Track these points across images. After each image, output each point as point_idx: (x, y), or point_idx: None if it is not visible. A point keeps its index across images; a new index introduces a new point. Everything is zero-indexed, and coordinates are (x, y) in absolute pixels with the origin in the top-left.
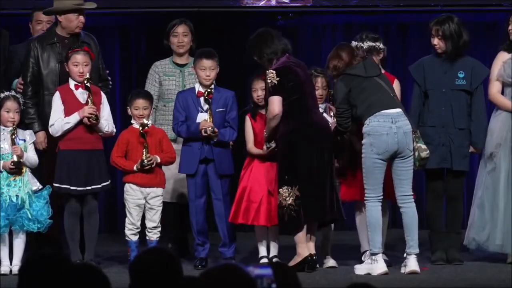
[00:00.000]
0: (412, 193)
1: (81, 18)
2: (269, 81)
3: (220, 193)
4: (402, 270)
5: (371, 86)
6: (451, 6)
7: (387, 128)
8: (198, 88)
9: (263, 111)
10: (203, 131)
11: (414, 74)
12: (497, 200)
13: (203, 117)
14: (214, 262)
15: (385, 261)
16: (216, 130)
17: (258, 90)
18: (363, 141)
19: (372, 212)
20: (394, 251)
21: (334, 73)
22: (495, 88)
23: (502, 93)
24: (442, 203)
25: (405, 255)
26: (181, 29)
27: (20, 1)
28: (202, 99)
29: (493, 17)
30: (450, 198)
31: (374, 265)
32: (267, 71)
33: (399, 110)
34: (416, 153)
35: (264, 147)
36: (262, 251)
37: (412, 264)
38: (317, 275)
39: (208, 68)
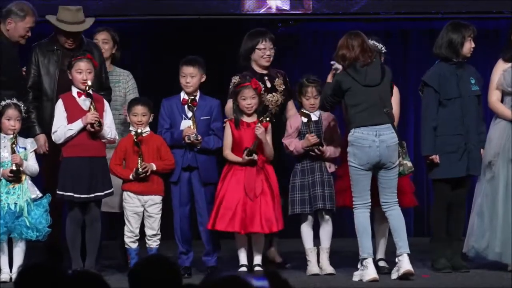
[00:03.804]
0: (396, 200)
1: (67, 37)
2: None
3: (203, 201)
4: (394, 276)
5: (365, 96)
6: (452, 14)
7: (370, 141)
8: (183, 95)
9: (247, 119)
10: (186, 138)
11: (433, 83)
12: (496, 208)
13: (186, 124)
14: (197, 271)
15: (385, 268)
16: (199, 137)
17: (248, 99)
18: (348, 149)
19: (360, 219)
20: (393, 258)
21: (341, 63)
22: (494, 96)
23: (502, 101)
24: (447, 211)
25: (396, 259)
26: (101, 36)
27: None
28: (186, 106)
29: (494, 25)
30: (454, 205)
31: (365, 271)
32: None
33: (386, 125)
34: (401, 168)
35: (245, 156)
36: (242, 259)
37: (405, 264)
38: (317, 282)
39: (188, 75)
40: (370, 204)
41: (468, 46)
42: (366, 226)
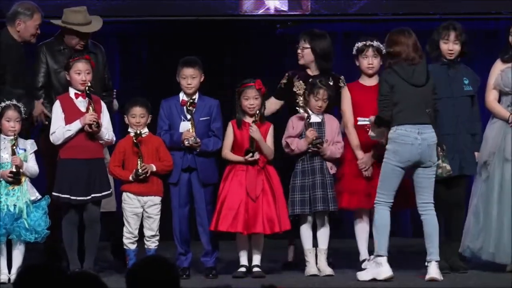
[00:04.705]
0: (433, 201)
1: (81, 39)
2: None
3: (203, 202)
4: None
5: (410, 95)
6: (450, 14)
7: (413, 138)
8: (182, 96)
9: (249, 119)
10: (185, 141)
11: None
12: (490, 209)
13: (185, 127)
14: (196, 272)
15: None
16: (198, 140)
17: (251, 99)
18: (387, 146)
19: (382, 215)
20: (393, 259)
21: (390, 60)
22: (492, 96)
23: (499, 101)
24: (444, 210)
25: (426, 263)
26: None
27: None
28: (185, 109)
29: (493, 25)
30: (452, 205)
31: (380, 269)
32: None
33: (428, 125)
34: (439, 171)
35: (246, 157)
36: (242, 260)
37: (432, 271)
38: (315, 282)
39: (189, 77)
40: (392, 203)
41: (445, 48)
42: (386, 224)
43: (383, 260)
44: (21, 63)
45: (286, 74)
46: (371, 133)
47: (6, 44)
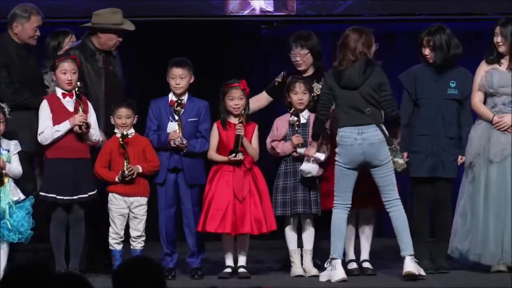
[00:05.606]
0: (398, 197)
1: (119, 38)
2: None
3: (189, 203)
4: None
5: (345, 98)
6: (435, 15)
7: (352, 139)
8: (171, 97)
9: (234, 120)
10: (171, 142)
11: (405, 83)
12: (477, 210)
13: (173, 127)
14: (181, 273)
15: (369, 269)
16: (185, 141)
17: (236, 99)
18: (336, 149)
19: (337, 219)
20: (380, 260)
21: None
22: (477, 97)
23: (484, 102)
24: (428, 210)
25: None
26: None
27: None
28: (173, 110)
29: (479, 26)
30: (438, 206)
31: (333, 272)
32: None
33: (369, 125)
34: (394, 166)
35: (230, 157)
36: (228, 261)
37: (408, 266)
38: (301, 283)
39: (178, 77)
40: (349, 206)
41: (422, 52)
42: (342, 227)
43: (338, 262)
44: (24, 64)
45: (282, 73)
46: (304, 166)
47: (4, 47)
